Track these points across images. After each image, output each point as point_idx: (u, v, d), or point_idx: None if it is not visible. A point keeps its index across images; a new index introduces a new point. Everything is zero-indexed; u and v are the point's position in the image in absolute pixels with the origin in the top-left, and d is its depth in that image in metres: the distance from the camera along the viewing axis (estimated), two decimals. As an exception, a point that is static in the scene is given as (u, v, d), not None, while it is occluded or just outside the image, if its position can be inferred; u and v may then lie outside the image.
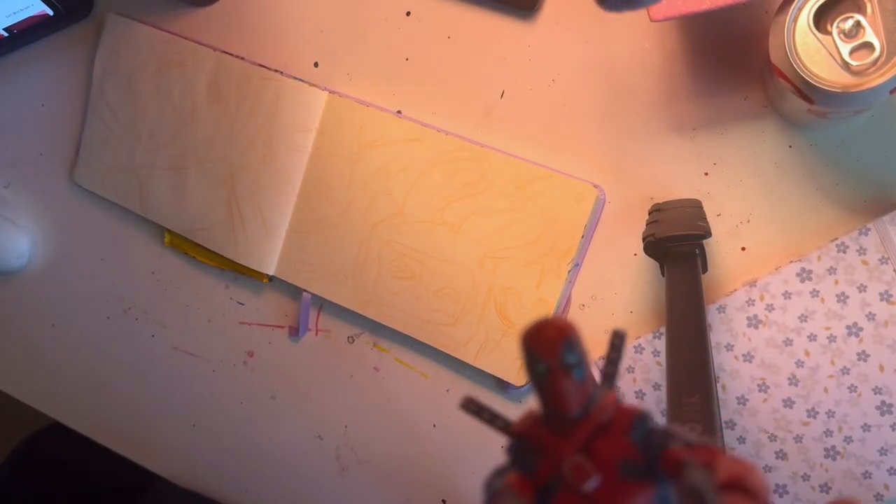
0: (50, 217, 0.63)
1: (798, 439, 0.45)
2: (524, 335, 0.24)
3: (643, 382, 0.47)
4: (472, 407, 0.27)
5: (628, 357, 0.47)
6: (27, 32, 0.60)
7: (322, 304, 0.56)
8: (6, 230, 0.63)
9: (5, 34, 0.59)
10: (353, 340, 0.56)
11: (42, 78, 0.62)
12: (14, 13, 0.58)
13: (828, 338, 0.45)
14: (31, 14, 0.59)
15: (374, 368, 0.55)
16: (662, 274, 0.46)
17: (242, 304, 0.58)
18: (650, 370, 0.47)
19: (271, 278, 0.56)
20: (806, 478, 0.46)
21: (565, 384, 0.23)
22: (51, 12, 0.58)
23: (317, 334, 0.57)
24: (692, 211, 0.45)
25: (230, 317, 0.59)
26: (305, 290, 0.55)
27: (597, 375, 0.51)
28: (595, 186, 0.47)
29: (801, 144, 0.45)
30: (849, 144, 0.45)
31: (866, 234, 0.44)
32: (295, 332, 0.57)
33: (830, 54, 0.38)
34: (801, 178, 0.46)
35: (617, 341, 0.27)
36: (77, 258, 0.63)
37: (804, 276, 0.45)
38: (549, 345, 0.24)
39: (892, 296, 0.44)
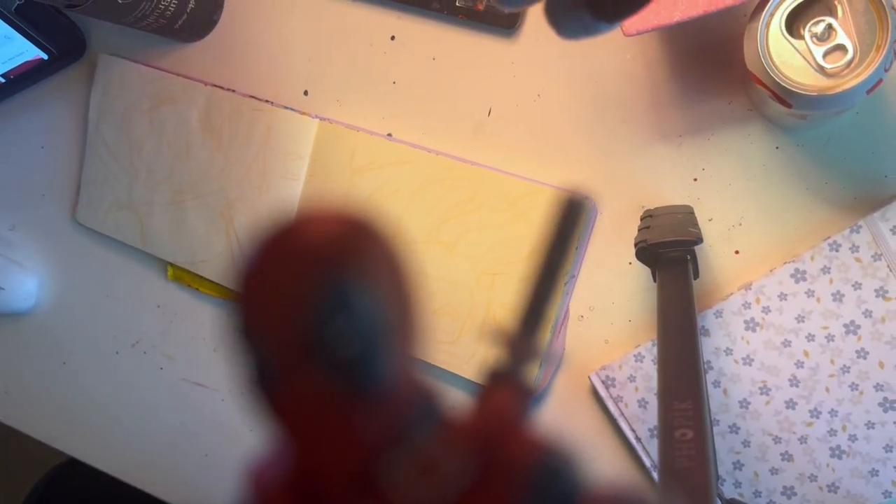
0: (55, 257, 0.64)
1: (803, 440, 0.45)
2: (240, 258, 0.12)
3: (645, 391, 0.47)
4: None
5: (629, 366, 0.48)
6: (24, 77, 0.61)
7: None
8: (13, 273, 0.64)
9: (2, 80, 0.61)
10: (357, 363, 0.56)
11: (40, 121, 0.63)
12: (9, 59, 0.59)
13: (826, 337, 0.45)
14: (27, 59, 0.60)
15: (379, 390, 0.56)
16: (654, 280, 0.47)
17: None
18: (652, 378, 0.47)
19: (273, 306, 0.57)
20: (813, 478, 0.45)
21: (323, 408, 0.12)
22: (45, 56, 0.60)
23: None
24: (683, 217, 0.45)
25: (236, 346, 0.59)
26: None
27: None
28: (585, 197, 0.48)
29: (788, 145, 0.46)
30: (835, 143, 0.45)
31: (858, 232, 0.44)
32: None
33: (805, 58, 0.39)
34: (790, 179, 0.46)
35: (564, 215, 0.17)
36: (83, 296, 0.64)
37: (798, 276, 0.45)
38: (287, 292, 0.11)
39: (887, 292, 0.44)
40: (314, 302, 0.11)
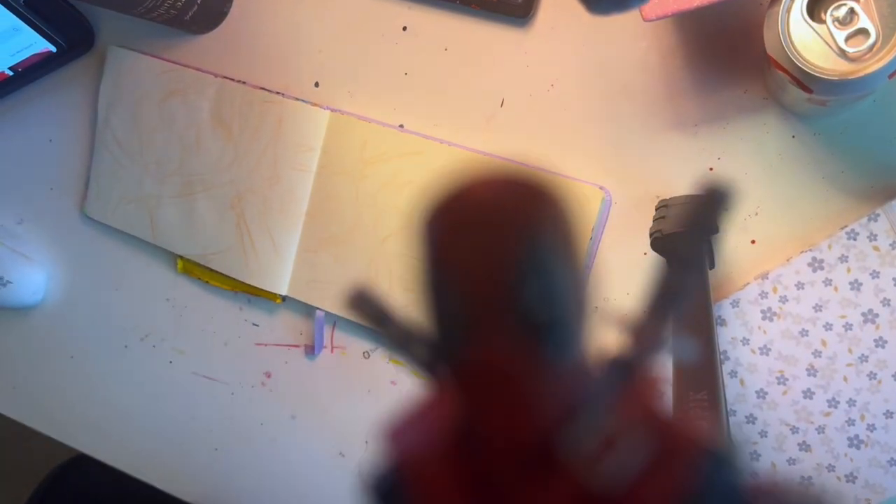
0: (63, 251, 0.64)
1: (820, 430, 0.45)
2: (430, 214, 0.12)
3: (663, 382, 0.47)
4: (358, 303, 0.13)
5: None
6: (32, 70, 0.61)
7: (336, 320, 0.56)
8: (22, 266, 0.64)
9: (10, 73, 0.60)
10: (369, 355, 0.56)
11: (48, 114, 0.63)
12: (18, 52, 0.59)
13: (844, 326, 0.45)
14: (35, 52, 0.59)
15: (391, 382, 0.55)
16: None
17: (257, 326, 0.59)
18: (668, 370, 0.47)
19: (284, 298, 0.56)
20: (831, 468, 0.45)
21: (514, 372, 0.11)
22: (54, 49, 0.59)
23: (332, 351, 0.57)
24: (699, 206, 0.44)
25: (246, 339, 0.59)
26: (319, 308, 0.55)
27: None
28: (600, 188, 0.47)
29: (805, 134, 0.45)
30: (852, 131, 0.45)
31: (875, 220, 0.44)
32: (311, 350, 0.57)
33: (826, 43, 0.38)
34: (806, 168, 0.45)
35: (707, 206, 0.14)
36: (92, 290, 0.63)
37: (816, 265, 0.45)
38: (488, 252, 0.11)
39: (905, 280, 0.44)
40: (515, 263, 0.10)
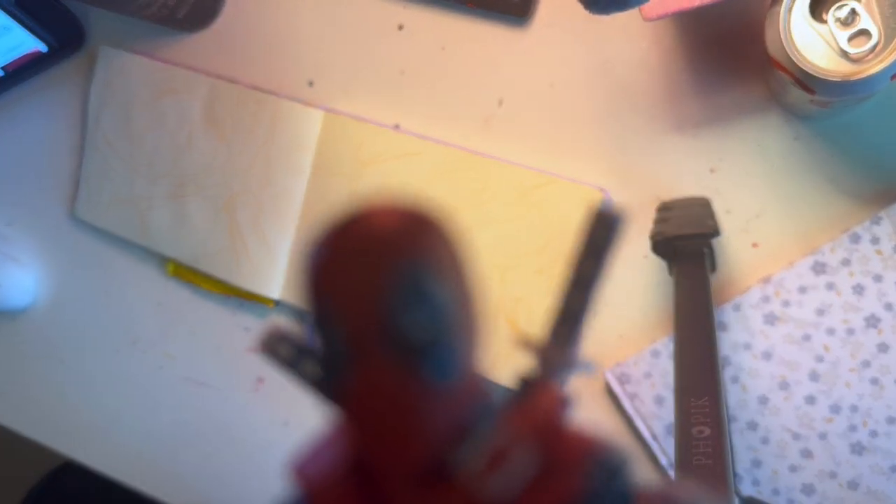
0: (53, 253, 0.63)
1: (822, 436, 0.45)
2: (312, 248, 0.12)
3: (662, 388, 0.46)
4: (271, 345, 0.14)
5: (645, 362, 0.47)
6: (22, 70, 0.60)
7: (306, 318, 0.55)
8: (10, 269, 0.63)
9: (1, 73, 0.59)
10: (364, 360, 0.55)
11: (38, 114, 0.62)
12: (7, 52, 0.58)
13: (846, 331, 0.44)
14: (25, 52, 0.59)
15: (386, 388, 0.55)
16: (670, 274, 0.46)
17: (250, 331, 0.58)
18: (668, 374, 0.46)
19: (277, 302, 0.56)
20: (833, 475, 0.45)
21: (396, 396, 0.11)
22: (45, 48, 0.58)
23: (326, 356, 0.56)
24: (700, 209, 0.44)
25: (238, 344, 0.58)
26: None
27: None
28: (600, 190, 0.47)
29: (807, 136, 0.45)
30: (855, 133, 0.44)
31: (878, 224, 0.44)
32: (304, 355, 0.56)
33: (828, 43, 0.38)
34: (809, 170, 0.45)
35: (597, 235, 0.16)
36: (82, 293, 0.63)
37: (818, 269, 0.44)
38: (362, 280, 0.11)
39: (909, 284, 0.43)
40: (391, 290, 0.11)
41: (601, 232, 0.18)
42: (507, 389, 0.14)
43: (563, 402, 0.15)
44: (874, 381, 0.44)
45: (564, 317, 0.17)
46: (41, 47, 0.58)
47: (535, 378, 0.16)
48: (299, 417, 0.58)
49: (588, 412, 0.49)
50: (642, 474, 0.48)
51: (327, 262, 0.12)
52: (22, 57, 0.59)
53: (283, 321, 0.57)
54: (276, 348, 0.15)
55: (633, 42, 0.47)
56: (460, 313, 0.12)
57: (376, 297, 0.11)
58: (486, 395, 0.14)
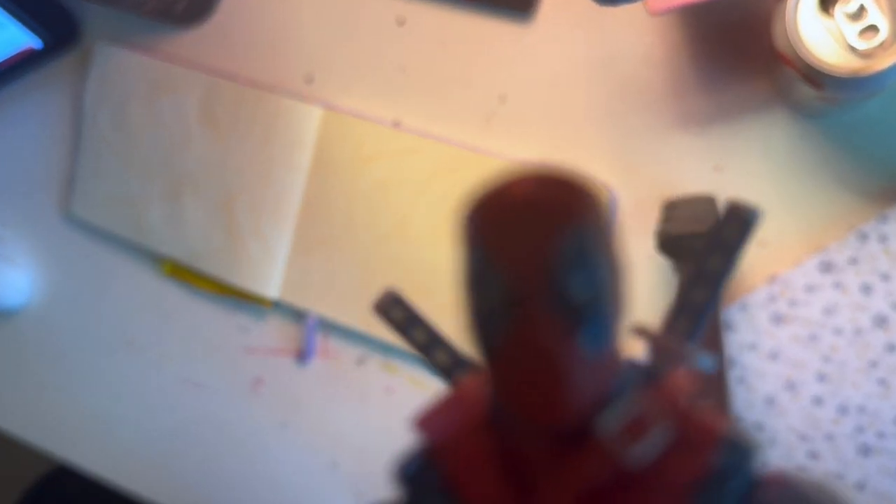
0: (47, 253, 0.63)
1: (829, 438, 0.44)
2: (473, 207, 0.12)
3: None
4: (386, 307, 0.15)
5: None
6: (15, 68, 0.59)
7: (328, 326, 0.55)
8: (4, 269, 0.62)
9: (-7, 70, 0.59)
10: (363, 362, 0.54)
11: (31, 112, 0.61)
12: (1, 49, 0.57)
13: (853, 331, 0.44)
14: (20, 49, 0.58)
15: (385, 390, 0.54)
16: (675, 273, 0.45)
17: (247, 331, 0.57)
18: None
19: (275, 302, 0.55)
20: (840, 477, 0.44)
21: (557, 357, 0.11)
22: (39, 45, 0.58)
23: (324, 358, 0.56)
24: (706, 207, 0.43)
25: (235, 344, 0.58)
26: (310, 313, 0.54)
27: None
28: (604, 188, 0.46)
29: (813, 133, 0.45)
30: (862, 130, 0.44)
31: (885, 222, 0.43)
32: (302, 356, 0.56)
33: (836, 38, 0.37)
34: (815, 168, 0.45)
35: (730, 231, 0.16)
36: (77, 293, 0.62)
37: (825, 268, 0.44)
38: (531, 239, 0.11)
39: (917, 283, 0.43)
40: (557, 250, 0.11)
41: (734, 228, 0.18)
42: (640, 366, 0.15)
43: (692, 387, 0.16)
44: (882, 382, 0.44)
45: (684, 310, 0.17)
46: (36, 44, 0.58)
47: (657, 367, 0.16)
48: (297, 418, 0.57)
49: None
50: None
51: (495, 218, 0.12)
52: (16, 54, 0.58)
53: (278, 323, 0.56)
54: (390, 311, 0.15)
55: (637, 37, 0.46)
56: (615, 280, 0.13)
57: (543, 255, 0.11)
58: (625, 369, 0.14)
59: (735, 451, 0.14)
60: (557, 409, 0.12)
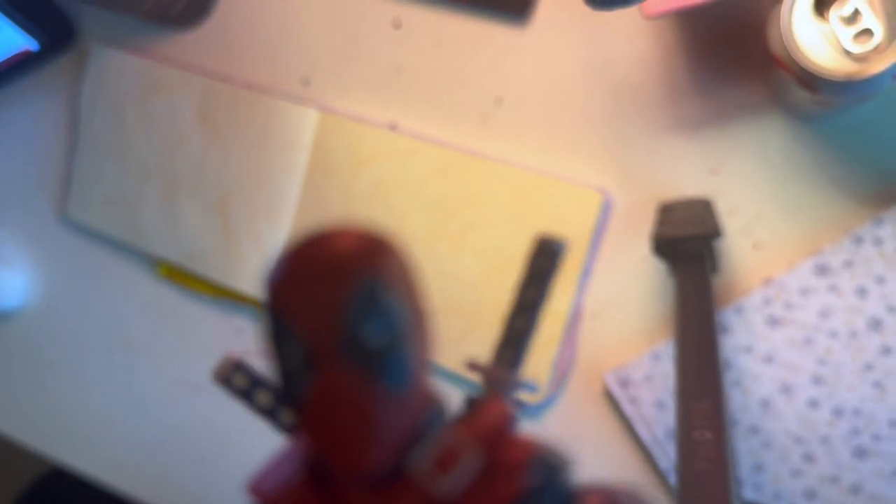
0: (43, 255, 0.63)
1: (824, 440, 0.44)
2: (271, 267, 0.13)
3: (662, 391, 0.46)
4: (226, 374, 0.15)
5: (646, 366, 0.46)
6: (12, 70, 0.59)
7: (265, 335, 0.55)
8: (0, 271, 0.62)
9: (-10, 72, 0.59)
10: (359, 363, 0.54)
11: (27, 114, 0.61)
12: (-2, 50, 0.57)
13: (849, 333, 0.44)
14: (16, 51, 0.58)
15: (382, 391, 0.54)
16: (671, 275, 0.45)
17: (243, 333, 0.57)
18: (669, 378, 0.46)
19: (272, 304, 0.55)
20: (835, 480, 0.44)
21: (359, 404, 0.12)
22: (36, 47, 0.58)
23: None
24: (701, 210, 0.44)
25: (231, 346, 0.58)
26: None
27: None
28: (599, 191, 0.46)
29: (808, 136, 0.45)
30: (856, 134, 0.44)
31: (880, 225, 0.43)
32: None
33: (830, 42, 0.37)
34: (810, 171, 0.45)
35: (541, 263, 0.17)
36: (73, 295, 0.62)
37: (820, 271, 0.44)
38: (320, 293, 0.12)
39: (912, 286, 0.43)
40: (348, 302, 0.12)
41: (544, 260, 0.19)
42: (463, 400, 0.16)
43: (509, 414, 0.17)
44: (877, 385, 0.44)
45: (509, 340, 0.18)
46: (32, 46, 0.58)
47: (481, 397, 0.17)
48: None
49: (588, 415, 0.48)
50: (642, 479, 0.47)
51: (287, 279, 0.12)
52: (12, 56, 0.58)
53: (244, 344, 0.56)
54: (230, 378, 0.16)
55: (633, 40, 0.46)
56: (412, 325, 0.13)
57: (335, 308, 0.12)
58: (437, 403, 0.15)
59: (546, 469, 0.15)
60: (367, 454, 0.13)
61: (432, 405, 0.15)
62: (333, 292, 0.12)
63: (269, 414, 0.15)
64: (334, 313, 0.12)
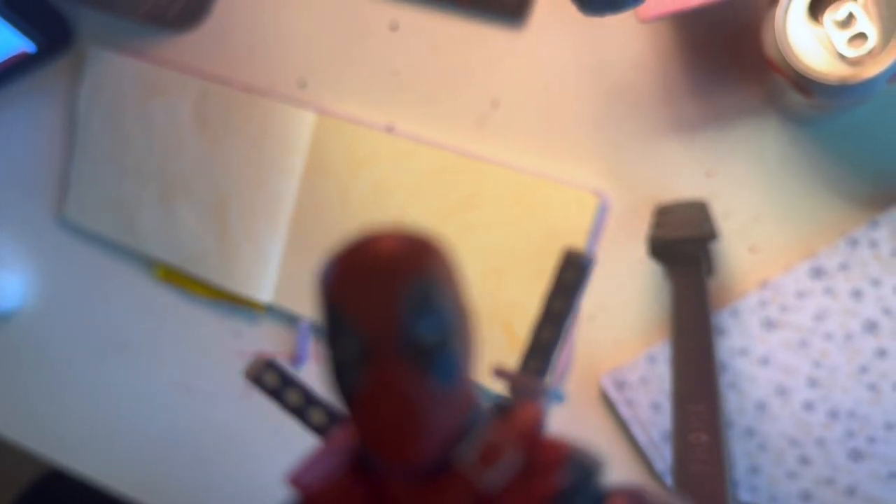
0: (41, 257, 0.63)
1: (820, 443, 0.44)
2: (326, 266, 0.14)
3: (658, 394, 0.46)
4: (258, 373, 0.16)
5: (642, 368, 0.46)
6: (9, 72, 0.59)
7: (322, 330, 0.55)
8: (-4, 272, 0.62)
9: (-13, 74, 0.59)
10: (356, 366, 0.54)
11: (26, 116, 0.61)
12: (-5, 52, 0.57)
13: (844, 336, 0.44)
14: (13, 53, 0.58)
15: (378, 393, 0.54)
16: (667, 278, 0.45)
17: (240, 335, 0.57)
18: (665, 380, 0.46)
19: (268, 307, 0.55)
20: (830, 482, 0.44)
21: (412, 397, 0.12)
22: (34, 49, 0.58)
23: (317, 363, 0.55)
24: (697, 212, 0.44)
25: (228, 349, 0.58)
26: (303, 317, 0.54)
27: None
28: (596, 193, 0.46)
29: (804, 139, 0.45)
30: (852, 137, 0.44)
31: (876, 228, 0.43)
32: (295, 360, 0.56)
33: (825, 46, 0.37)
34: (806, 174, 0.45)
35: (569, 276, 0.19)
36: (70, 297, 0.62)
37: (816, 273, 0.44)
38: (378, 292, 0.13)
39: (907, 289, 0.43)
40: (404, 301, 0.12)
41: (573, 272, 0.20)
42: (497, 397, 0.16)
43: (542, 417, 0.17)
44: (872, 387, 0.44)
45: (536, 350, 0.19)
46: (29, 48, 0.58)
47: (510, 402, 0.18)
48: (290, 424, 0.57)
49: (584, 418, 0.48)
50: (638, 481, 0.47)
51: (345, 278, 0.13)
52: (10, 58, 0.58)
53: (271, 328, 0.56)
54: (262, 377, 0.16)
55: (629, 43, 0.46)
56: (461, 322, 0.14)
57: (393, 306, 0.12)
58: (477, 402, 0.15)
59: (580, 469, 0.15)
60: (417, 446, 0.13)
61: (474, 403, 0.15)
62: (391, 291, 0.13)
63: (299, 413, 0.16)
64: (392, 311, 0.12)
